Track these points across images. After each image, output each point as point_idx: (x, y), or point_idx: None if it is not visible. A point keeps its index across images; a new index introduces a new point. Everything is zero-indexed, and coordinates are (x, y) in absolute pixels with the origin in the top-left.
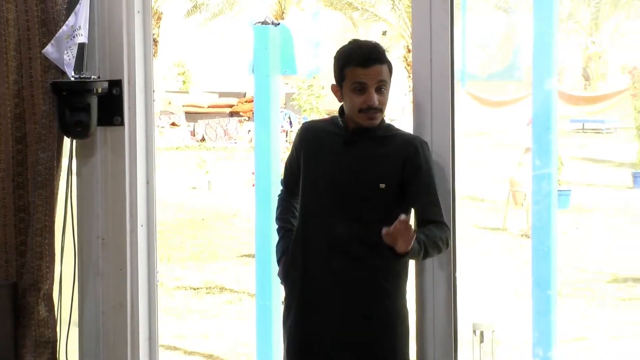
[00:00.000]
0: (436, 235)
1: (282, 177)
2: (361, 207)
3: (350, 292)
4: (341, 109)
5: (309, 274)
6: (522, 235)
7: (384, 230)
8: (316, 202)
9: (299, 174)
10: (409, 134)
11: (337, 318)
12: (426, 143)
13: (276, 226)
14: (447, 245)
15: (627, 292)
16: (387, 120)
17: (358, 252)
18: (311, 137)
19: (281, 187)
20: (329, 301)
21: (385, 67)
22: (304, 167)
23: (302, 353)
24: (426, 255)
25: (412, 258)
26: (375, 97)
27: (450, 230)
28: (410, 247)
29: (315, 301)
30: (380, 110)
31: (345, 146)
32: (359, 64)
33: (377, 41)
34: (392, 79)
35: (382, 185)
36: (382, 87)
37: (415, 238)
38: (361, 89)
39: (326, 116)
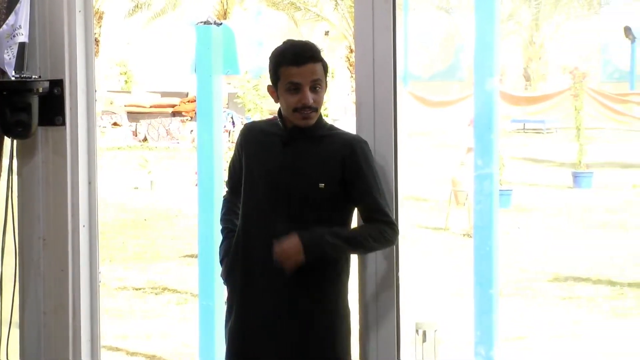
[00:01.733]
0: (355, 233)
1: (227, 178)
2: (301, 207)
3: (290, 292)
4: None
5: (250, 273)
6: (464, 235)
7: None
8: (256, 202)
9: (241, 175)
10: (348, 134)
11: (277, 318)
12: (366, 142)
13: (220, 227)
14: (383, 240)
15: (567, 291)
16: (330, 121)
17: None
18: (252, 138)
19: (225, 188)
20: (268, 301)
21: (319, 66)
22: (246, 168)
23: (242, 352)
24: (338, 251)
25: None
26: (310, 96)
27: (394, 226)
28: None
29: (255, 301)
30: (316, 109)
31: (284, 146)
32: (292, 63)
33: (319, 41)
34: (327, 78)
35: (322, 185)
36: (316, 86)
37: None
38: (295, 88)
39: (270, 116)
